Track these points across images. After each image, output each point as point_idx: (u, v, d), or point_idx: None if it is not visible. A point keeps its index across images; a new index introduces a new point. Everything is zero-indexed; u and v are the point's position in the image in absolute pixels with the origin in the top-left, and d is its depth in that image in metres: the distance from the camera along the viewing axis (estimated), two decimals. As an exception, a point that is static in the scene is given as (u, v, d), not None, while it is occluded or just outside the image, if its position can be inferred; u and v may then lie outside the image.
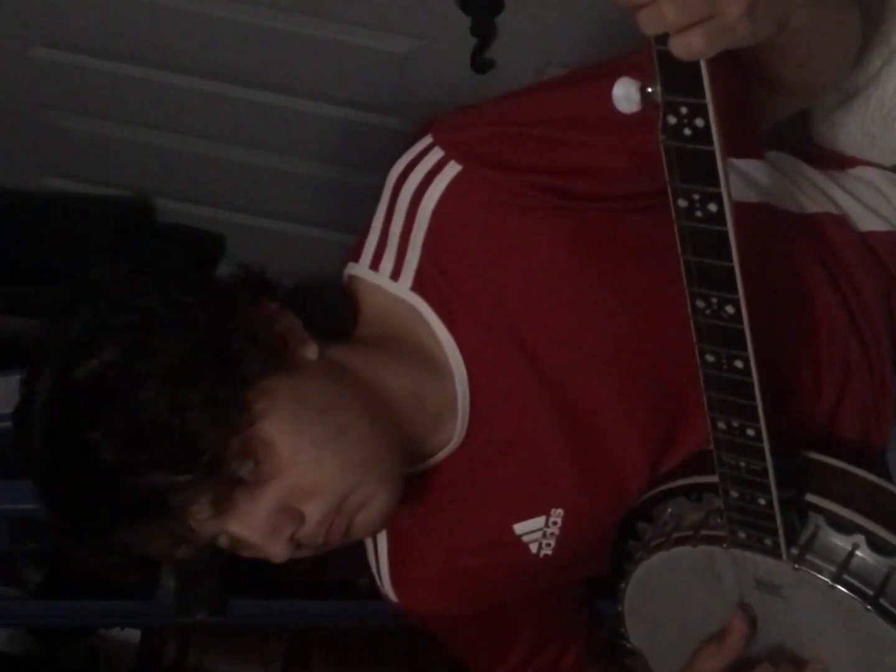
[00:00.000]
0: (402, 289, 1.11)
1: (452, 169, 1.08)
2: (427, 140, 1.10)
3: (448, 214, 1.08)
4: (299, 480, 1.02)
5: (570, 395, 1.11)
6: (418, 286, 1.11)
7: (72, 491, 0.99)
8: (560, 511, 1.16)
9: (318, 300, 1.12)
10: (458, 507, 1.18)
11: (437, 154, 1.08)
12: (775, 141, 1.29)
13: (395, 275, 1.11)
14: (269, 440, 1.00)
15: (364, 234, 1.14)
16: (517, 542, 1.18)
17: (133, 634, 1.83)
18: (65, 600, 1.75)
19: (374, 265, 1.13)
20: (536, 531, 1.17)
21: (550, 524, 1.17)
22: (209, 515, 0.99)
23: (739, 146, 1.09)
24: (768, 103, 1.13)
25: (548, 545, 1.18)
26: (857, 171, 1.33)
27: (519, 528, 1.17)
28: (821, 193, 1.29)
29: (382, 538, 1.22)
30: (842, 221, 1.27)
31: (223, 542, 1.04)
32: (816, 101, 1.38)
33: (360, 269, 1.14)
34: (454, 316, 1.10)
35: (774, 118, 1.18)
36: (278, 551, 1.02)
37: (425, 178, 1.09)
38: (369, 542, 1.22)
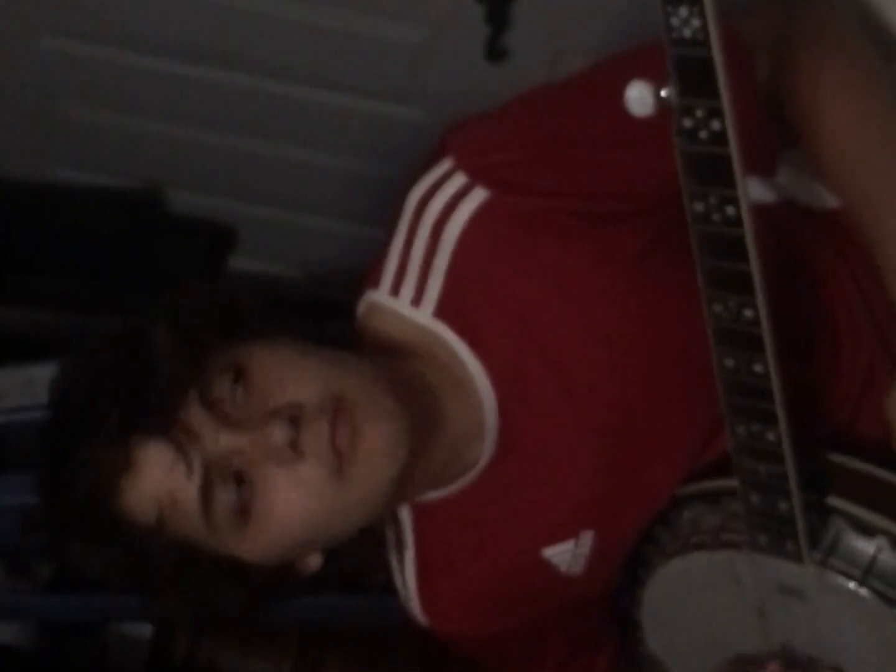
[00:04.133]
0: (425, 315, 1.09)
1: (479, 195, 1.05)
2: (448, 163, 1.07)
3: (474, 240, 1.06)
4: (288, 372, 1.01)
5: (602, 419, 1.09)
6: (441, 312, 1.09)
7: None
8: (590, 533, 1.15)
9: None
10: (486, 530, 1.17)
11: (460, 178, 1.06)
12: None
13: (416, 301, 1.09)
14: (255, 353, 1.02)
15: (381, 258, 1.12)
16: (546, 564, 1.16)
17: (144, 628, 1.82)
18: (75, 594, 1.74)
19: (394, 291, 1.10)
20: (565, 553, 1.16)
21: (580, 545, 1.15)
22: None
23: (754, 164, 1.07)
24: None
25: (577, 564, 1.17)
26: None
27: (548, 551, 1.16)
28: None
29: (410, 559, 1.20)
30: None
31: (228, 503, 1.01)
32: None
33: (379, 295, 1.11)
34: (480, 341, 1.08)
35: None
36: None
37: (449, 204, 1.06)
38: (395, 564, 1.20)
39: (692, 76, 0.71)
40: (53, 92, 1.75)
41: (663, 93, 0.72)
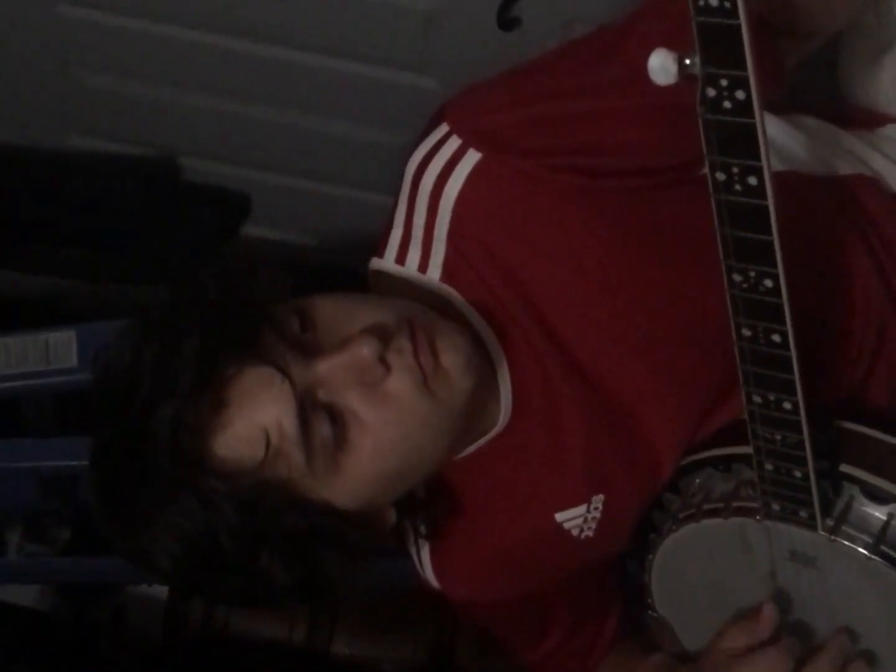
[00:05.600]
0: (432, 281, 1.09)
1: (472, 157, 1.05)
2: (443, 128, 1.07)
3: (470, 204, 1.06)
4: (355, 308, 1.02)
5: (601, 379, 1.10)
6: (447, 278, 1.09)
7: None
8: (601, 496, 1.15)
9: None
10: (498, 496, 1.17)
11: (454, 142, 1.06)
12: (800, 105, 1.27)
13: (423, 268, 1.10)
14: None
15: (387, 229, 1.12)
16: (559, 529, 1.17)
17: (160, 591, 1.83)
18: (92, 558, 1.75)
19: (400, 259, 1.11)
20: (578, 517, 1.16)
21: (592, 510, 1.16)
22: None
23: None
24: (783, 49, 1.10)
25: (589, 528, 1.17)
26: (889, 129, 1.30)
27: (560, 516, 1.16)
28: (851, 155, 1.27)
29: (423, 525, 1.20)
30: (875, 183, 1.25)
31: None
32: (845, 58, 1.36)
33: (385, 263, 1.12)
34: (484, 306, 1.09)
35: (789, 62, 1.14)
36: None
37: (445, 168, 1.06)
38: (409, 529, 1.19)
39: (717, 45, 0.70)
40: (69, 60, 1.75)
41: (687, 61, 0.72)
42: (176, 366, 0.95)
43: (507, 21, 1.53)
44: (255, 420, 0.96)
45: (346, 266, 1.25)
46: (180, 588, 1.12)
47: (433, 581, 1.24)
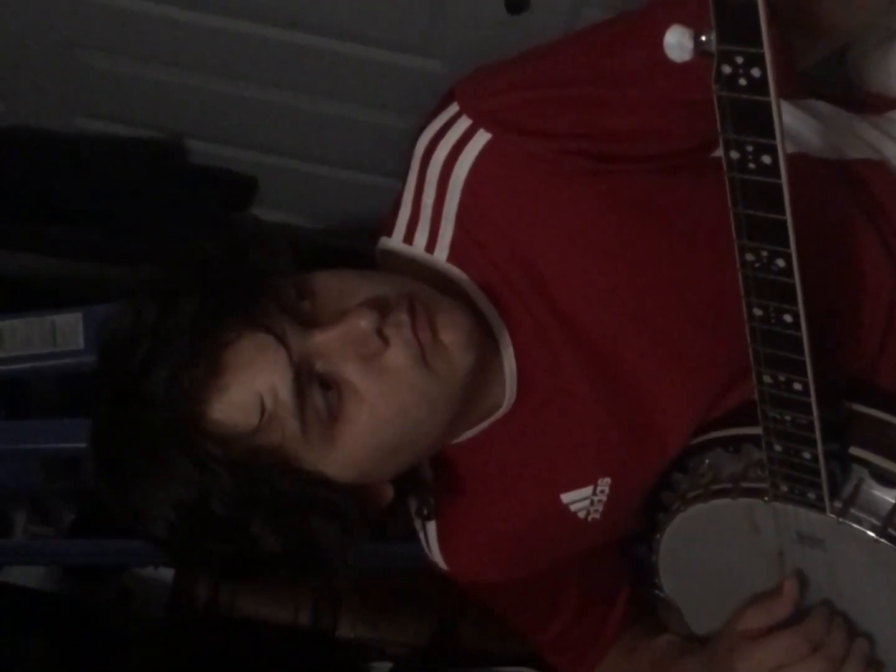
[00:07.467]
0: (439, 261, 1.09)
1: (482, 138, 1.05)
2: (453, 108, 1.07)
3: (480, 184, 1.06)
4: (355, 282, 1.02)
5: (610, 361, 1.10)
6: (454, 258, 1.09)
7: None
8: (608, 479, 1.15)
9: None
10: (504, 477, 1.17)
11: (464, 123, 1.06)
12: (810, 89, 1.27)
13: (430, 248, 1.10)
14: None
15: (395, 208, 1.12)
16: (565, 511, 1.17)
17: (166, 573, 1.83)
18: (98, 539, 1.75)
19: (408, 239, 1.11)
20: (584, 500, 1.17)
21: (598, 492, 1.16)
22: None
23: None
24: (799, 48, 1.10)
25: (596, 511, 1.18)
26: (897, 113, 1.31)
27: (566, 497, 1.16)
28: (859, 139, 1.27)
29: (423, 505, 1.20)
30: (883, 167, 1.25)
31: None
32: (855, 42, 1.36)
33: (393, 243, 1.12)
34: (491, 286, 1.09)
35: (804, 63, 1.15)
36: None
37: (454, 149, 1.06)
38: (413, 509, 1.19)
39: (734, 21, 0.70)
40: (77, 41, 1.74)
41: (703, 37, 0.72)
42: (173, 327, 0.96)
43: (515, 4, 1.52)
44: (251, 386, 0.96)
45: (352, 248, 1.25)
46: (175, 555, 1.11)
47: (440, 562, 1.24)
